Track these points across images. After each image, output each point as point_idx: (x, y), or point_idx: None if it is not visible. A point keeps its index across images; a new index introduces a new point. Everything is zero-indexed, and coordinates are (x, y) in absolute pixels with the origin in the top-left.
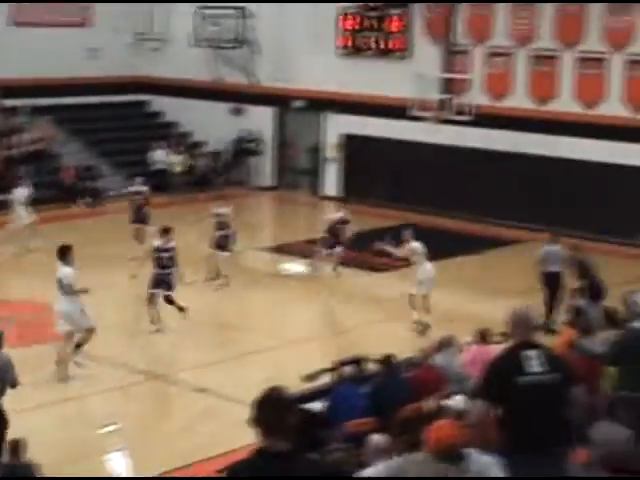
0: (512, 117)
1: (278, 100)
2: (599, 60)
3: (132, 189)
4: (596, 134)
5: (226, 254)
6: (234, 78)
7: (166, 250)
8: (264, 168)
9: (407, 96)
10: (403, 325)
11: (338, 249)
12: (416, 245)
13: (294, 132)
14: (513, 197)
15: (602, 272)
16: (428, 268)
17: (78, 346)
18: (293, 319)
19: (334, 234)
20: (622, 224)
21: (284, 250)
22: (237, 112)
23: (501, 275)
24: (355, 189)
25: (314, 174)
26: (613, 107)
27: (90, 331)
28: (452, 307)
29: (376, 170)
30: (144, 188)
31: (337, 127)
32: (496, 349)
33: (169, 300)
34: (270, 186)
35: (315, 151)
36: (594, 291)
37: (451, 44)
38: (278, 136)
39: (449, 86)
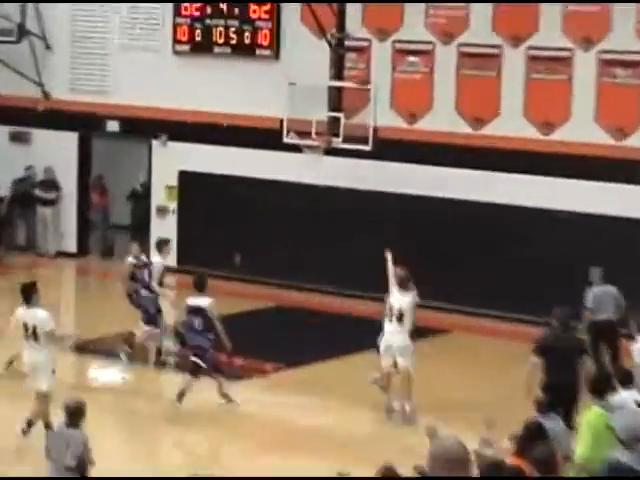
0: (431, 145)
1: (83, 122)
2: (560, 60)
3: None
4: (557, 169)
5: None
6: (13, 89)
7: None
8: (63, 224)
9: (278, 115)
10: None
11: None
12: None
13: (108, 169)
14: (430, 264)
15: None
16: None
17: None
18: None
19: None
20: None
21: (91, 349)
22: (19, 140)
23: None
24: (198, 255)
25: (138, 232)
26: (582, 129)
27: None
28: None
29: (232, 225)
30: None
31: (173, 161)
32: None
33: None
34: (72, 252)
35: (139, 198)
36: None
37: (342, 38)
38: (83, 175)
39: (339, 100)
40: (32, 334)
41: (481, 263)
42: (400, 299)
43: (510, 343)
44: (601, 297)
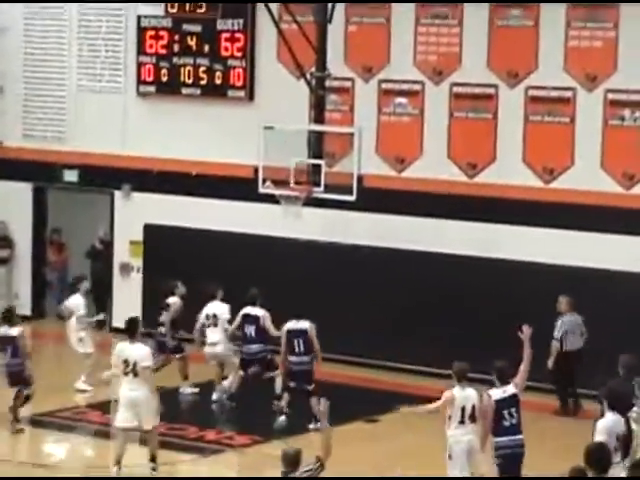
0: (422, 195)
1: (37, 172)
2: (561, 101)
3: None
4: (564, 221)
5: None
6: None
7: None
8: (17, 283)
9: (252, 163)
10: None
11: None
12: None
13: (66, 224)
14: (424, 325)
15: None
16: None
17: None
18: None
19: None
20: None
21: (47, 424)
22: None
23: None
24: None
25: (100, 293)
26: (590, 177)
27: None
28: None
29: (203, 284)
30: None
31: (138, 215)
32: None
33: None
34: (26, 315)
35: (99, 255)
36: None
37: (323, 77)
38: (39, 230)
39: (319, 146)
40: (132, 370)
41: (474, 322)
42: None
43: None
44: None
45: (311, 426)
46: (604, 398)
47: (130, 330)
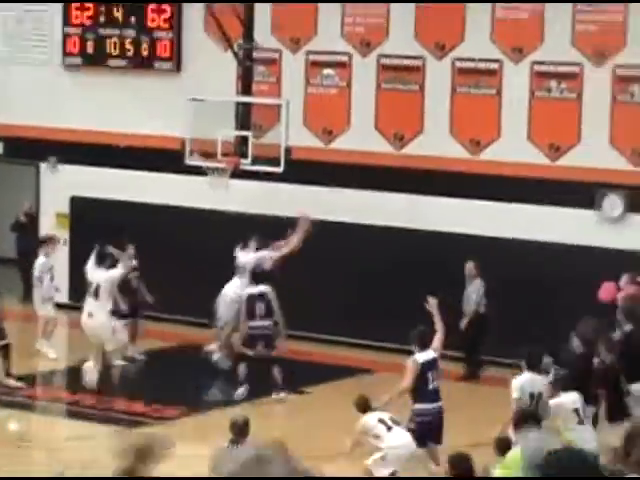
0: (350, 167)
1: None
2: (488, 73)
3: None
4: (490, 193)
5: None
6: None
7: None
8: None
9: (179, 135)
10: None
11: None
12: None
13: None
14: (354, 299)
15: None
16: None
17: None
18: None
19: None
20: None
21: None
22: None
23: None
24: None
25: (24, 266)
26: (508, 148)
27: None
28: None
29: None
30: None
31: (64, 187)
32: None
33: None
34: None
35: (24, 228)
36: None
37: (250, 48)
38: None
39: (247, 118)
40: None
41: (403, 294)
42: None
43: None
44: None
45: (274, 396)
46: (523, 358)
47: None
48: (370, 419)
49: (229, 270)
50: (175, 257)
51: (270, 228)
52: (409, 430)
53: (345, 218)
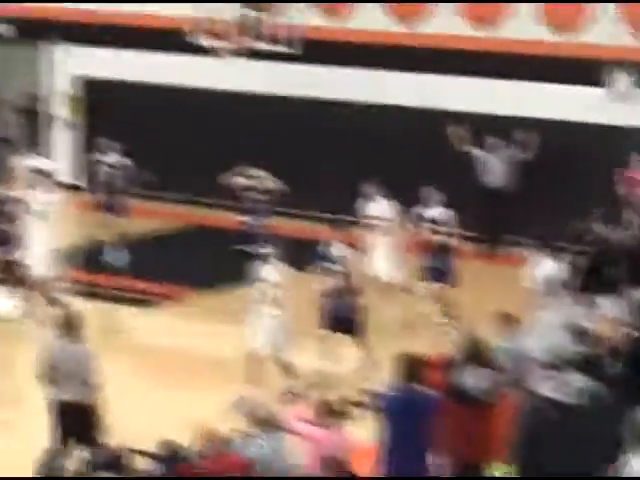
0: (360, 47)
1: None
2: None
3: None
4: (502, 70)
5: None
6: None
7: None
8: None
9: (185, 14)
10: None
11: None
12: None
13: None
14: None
15: None
16: None
17: None
18: None
19: None
20: None
21: None
22: None
23: None
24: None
25: (32, 147)
26: (523, 26)
27: None
28: None
29: (139, 139)
30: None
31: (70, 67)
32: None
33: None
34: None
35: (32, 110)
36: None
37: None
38: None
39: None
40: None
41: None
42: None
43: None
44: None
45: None
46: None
47: None
48: None
49: (237, 149)
50: (185, 138)
51: (279, 108)
52: None
53: (350, 97)
